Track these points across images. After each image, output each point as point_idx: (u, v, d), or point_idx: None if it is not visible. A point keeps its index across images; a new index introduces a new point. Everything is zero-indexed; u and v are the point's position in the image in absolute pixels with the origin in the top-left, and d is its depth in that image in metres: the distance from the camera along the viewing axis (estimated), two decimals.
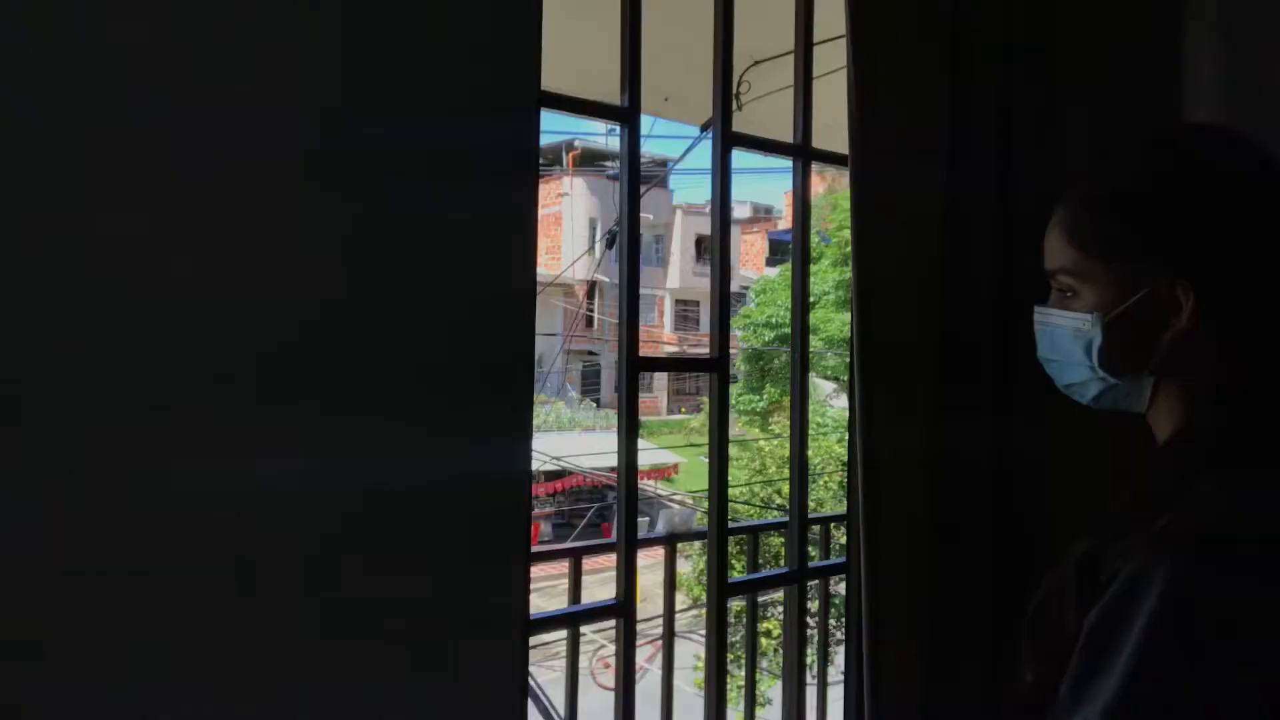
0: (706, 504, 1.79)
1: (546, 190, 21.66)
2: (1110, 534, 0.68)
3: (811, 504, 1.69)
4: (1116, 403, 0.79)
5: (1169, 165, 0.77)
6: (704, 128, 3.13)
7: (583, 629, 1.94)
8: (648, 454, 14.98)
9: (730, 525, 1.80)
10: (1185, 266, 0.72)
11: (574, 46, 2.52)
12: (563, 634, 1.94)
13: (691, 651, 7.97)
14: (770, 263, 23.76)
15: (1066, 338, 0.79)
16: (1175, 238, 0.73)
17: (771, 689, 7.02)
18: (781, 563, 2.17)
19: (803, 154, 1.83)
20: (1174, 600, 0.59)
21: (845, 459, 2.03)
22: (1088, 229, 0.77)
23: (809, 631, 3.09)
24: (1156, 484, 0.73)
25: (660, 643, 2.29)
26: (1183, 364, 0.74)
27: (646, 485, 13.43)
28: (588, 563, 2.24)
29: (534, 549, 1.47)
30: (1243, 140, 0.76)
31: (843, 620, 2.11)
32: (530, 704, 1.56)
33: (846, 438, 1.76)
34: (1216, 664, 0.58)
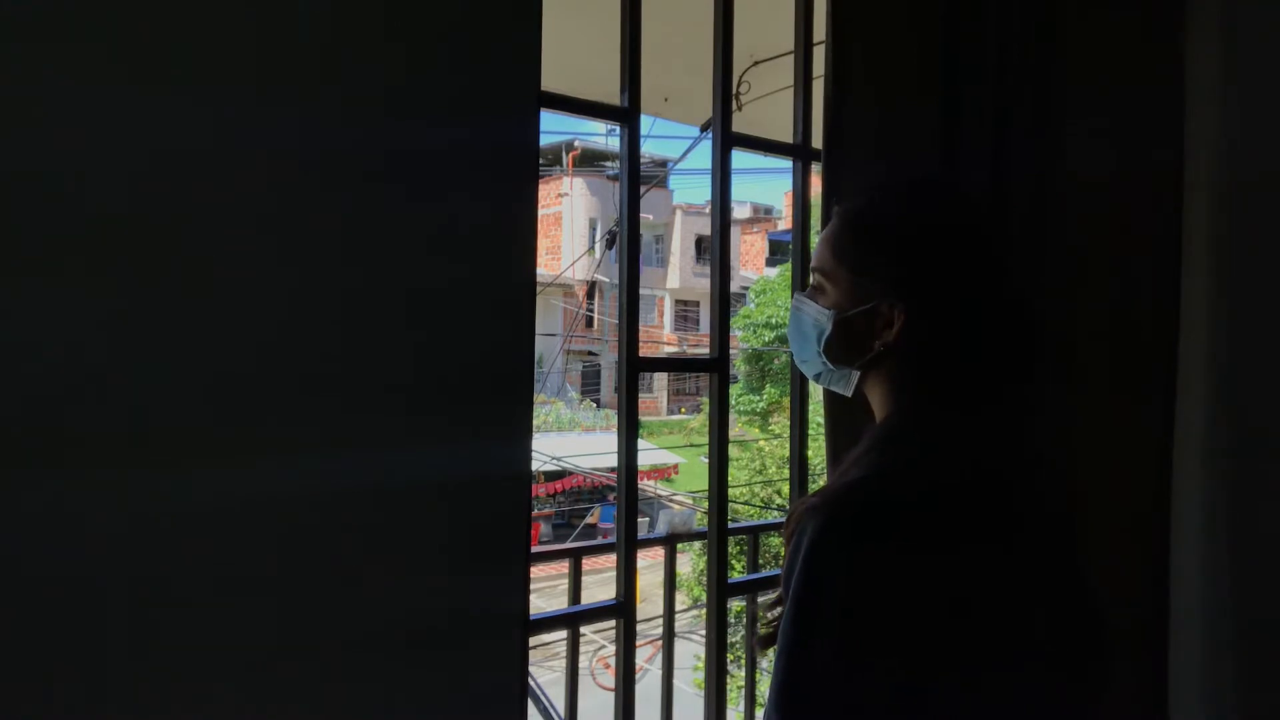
0: (706, 504, 1.79)
1: (546, 190, 21.67)
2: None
3: None
4: (831, 384, 0.98)
5: (909, 215, 0.94)
6: (704, 128, 3.13)
7: (583, 629, 1.94)
8: (648, 454, 14.98)
9: (730, 525, 1.80)
10: (902, 295, 0.89)
11: (574, 46, 2.52)
12: (563, 634, 1.93)
13: (691, 651, 7.98)
14: (770, 263, 23.78)
15: (808, 323, 0.96)
16: (899, 272, 0.90)
17: None
18: (781, 563, 2.16)
19: (803, 154, 1.83)
20: (811, 547, 0.79)
21: None
22: (843, 243, 0.94)
23: None
24: (855, 457, 0.90)
25: (660, 643, 2.28)
26: (882, 366, 0.92)
27: (646, 485, 13.43)
28: (588, 563, 2.25)
29: (534, 549, 1.47)
30: (964, 203, 1.02)
31: None
32: (530, 704, 1.56)
33: None
34: (842, 590, 0.78)
